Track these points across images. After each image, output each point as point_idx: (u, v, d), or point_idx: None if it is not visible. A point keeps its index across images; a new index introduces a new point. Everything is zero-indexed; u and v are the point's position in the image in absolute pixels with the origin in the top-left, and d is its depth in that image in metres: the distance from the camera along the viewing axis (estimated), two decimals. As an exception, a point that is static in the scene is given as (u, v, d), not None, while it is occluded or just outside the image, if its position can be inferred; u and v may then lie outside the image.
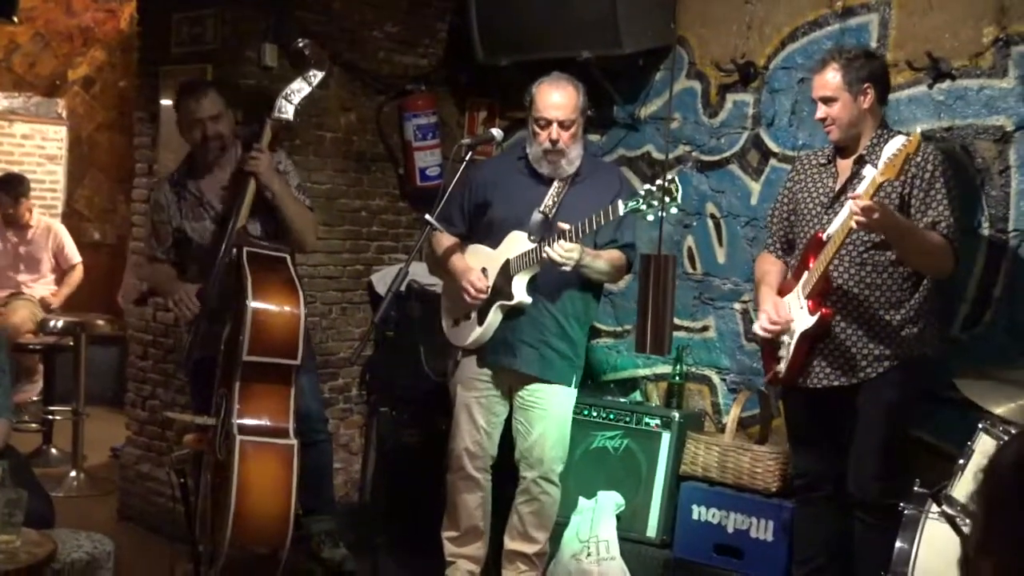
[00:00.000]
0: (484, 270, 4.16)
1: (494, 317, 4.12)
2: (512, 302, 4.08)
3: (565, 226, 3.88)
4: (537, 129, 4.07)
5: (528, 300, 4.07)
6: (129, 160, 5.83)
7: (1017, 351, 3.90)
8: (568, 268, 3.92)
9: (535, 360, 4.15)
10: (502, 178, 4.17)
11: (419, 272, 5.12)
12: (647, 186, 3.78)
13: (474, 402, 4.25)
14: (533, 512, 4.23)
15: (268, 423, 3.93)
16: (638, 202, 3.77)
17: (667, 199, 3.72)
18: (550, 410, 4.20)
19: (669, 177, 3.77)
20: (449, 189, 3.91)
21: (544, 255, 3.92)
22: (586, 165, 4.17)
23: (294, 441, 3.92)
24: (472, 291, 4.11)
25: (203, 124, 4.31)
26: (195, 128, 4.33)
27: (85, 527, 3.94)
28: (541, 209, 4.10)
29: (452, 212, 4.24)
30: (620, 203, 3.81)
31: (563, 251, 3.87)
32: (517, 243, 4.09)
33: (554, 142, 4.04)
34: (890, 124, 3.86)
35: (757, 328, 3.86)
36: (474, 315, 4.18)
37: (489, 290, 4.12)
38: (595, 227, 3.87)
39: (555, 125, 4.03)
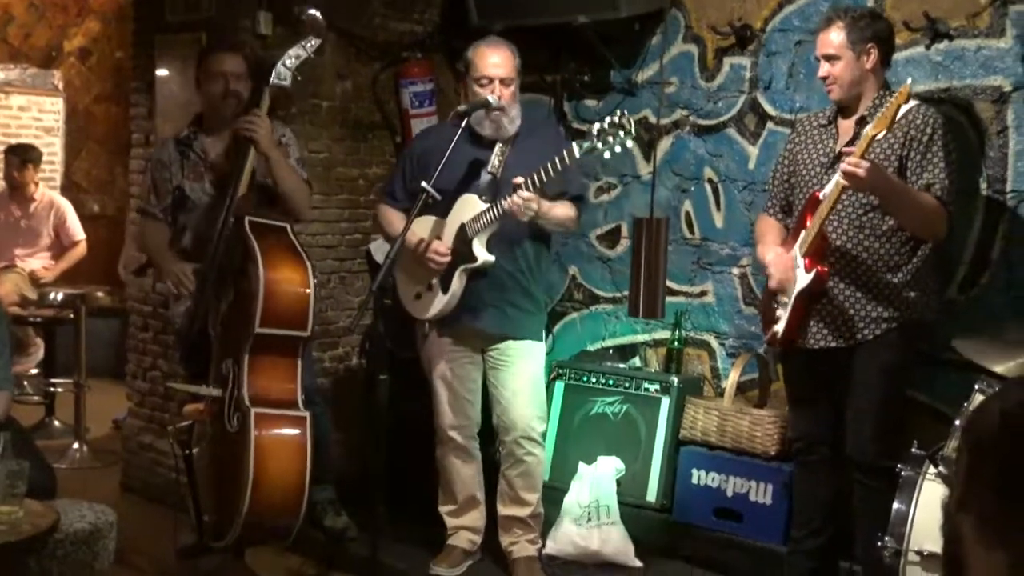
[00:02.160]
0: (438, 238, 4.16)
1: (458, 283, 4.12)
2: (476, 264, 4.09)
3: (519, 179, 3.91)
4: (478, 89, 4.09)
5: (491, 259, 4.09)
6: (126, 131, 5.82)
7: (1014, 312, 3.90)
8: (527, 218, 3.95)
9: (500, 319, 4.17)
10: (442, 149, 4.04)
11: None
12: (597, 124, 3.77)
13: (448, 372, 4.27)
14: (520, 474, 4.25)
15: (279, 395, 3.93)
16: (592, 142, 3.77)
17: (621, 133, 3.73)
18: (521, 365, 4.23)
19: (619, 112, 3.75)
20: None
21: (503, 209, 3.95)
22: (523, 125, 4.20)
23: (306, 412, 3.92)
24: (437, 259, 4.09)
25: (226, 78, 4.32)
26: (217, 80, 4.33)
27: (88, 498, 3.97)
28: (488, 170, 4.13)
29: (395, 187, 4.30)
30: (575, 145, 3.82)
31: (521, 201, 3.90)
32: (470, 206, 4.10)
33: (497, 99, 4.07)
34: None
35: (771, 284, 3.84)
36: (436, 284, 4.17)
37: (452, 249, 4.12)
38: (551, 174, 3.87)
39: (497, 82, 4.07)
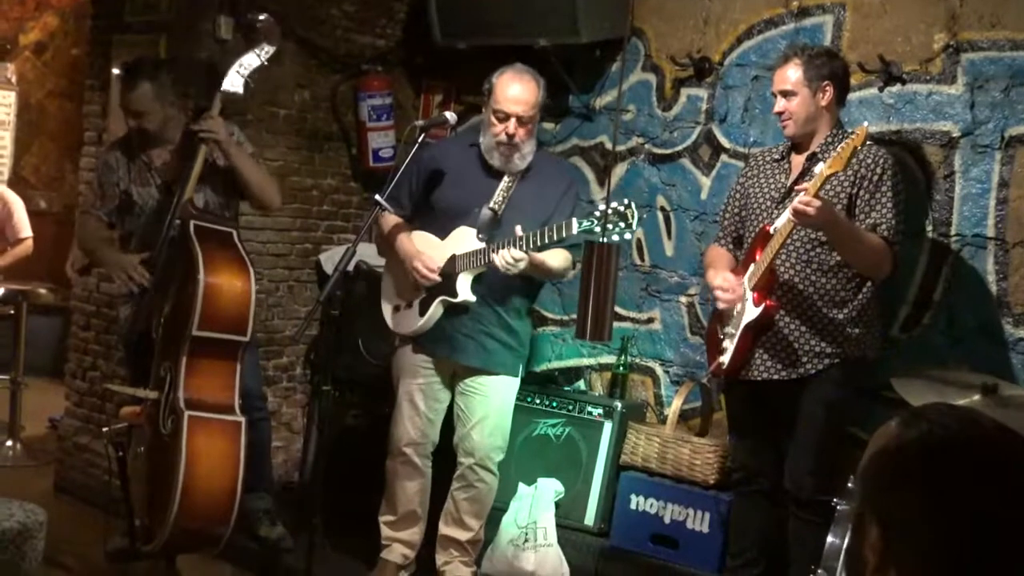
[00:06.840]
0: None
1: (436, 310, 4.07)
2: (456, 300, 4.02)
3: (519, 232, 3.83)
4: (494, 120, 3.97)
5: (472, 299, 4.02)
6: (78, 128, 5.75)
7: (954, 354, 3.96)
8: (513, 273, 3.89)
9: (478, 352, 4.11)
10: (453, 164, 4.07)
11: (367, 253, 5.09)
12: (603, 207, 3.70)
13: (416, 389, 4.20)
14: (468, 499, 4.22)
15: (215, 399, 3.90)
16: (592, 223, 3.70)
17: (622, 224, 3.68)
18: (491, 398, 4.18)
19: (626, 201, 3.71)
20: (401, 169, 3.89)
21: (491, 260, 3.89)
22: (537, 159, 4.11)
23: (242, 418, 3.90)
24: (423, 271, 4.01)
25: (137, 118, 4.30)
26: (131, 119, 4.34)
27: (20, 498, 3.89)
28: (490, 206, 4.04)
29: (400, 192, 4.13)
30: (574, 221, 3.76)
31: (511, 259, 3.82)
32: (465, 240, 4.03)
33: (510, 136, 3.95)
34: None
35: (719, 305, 3.87)
36: (416, 305, 4.12)
37: (438, 274, 4.05)
38: (547, 241, 3.81)
39: (513, 120, 3.94)
